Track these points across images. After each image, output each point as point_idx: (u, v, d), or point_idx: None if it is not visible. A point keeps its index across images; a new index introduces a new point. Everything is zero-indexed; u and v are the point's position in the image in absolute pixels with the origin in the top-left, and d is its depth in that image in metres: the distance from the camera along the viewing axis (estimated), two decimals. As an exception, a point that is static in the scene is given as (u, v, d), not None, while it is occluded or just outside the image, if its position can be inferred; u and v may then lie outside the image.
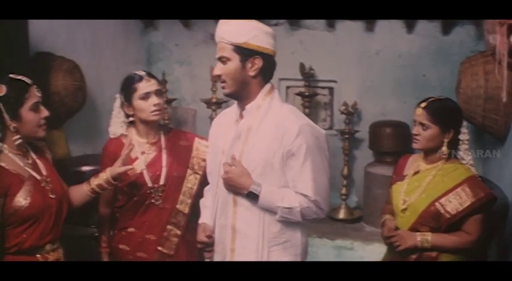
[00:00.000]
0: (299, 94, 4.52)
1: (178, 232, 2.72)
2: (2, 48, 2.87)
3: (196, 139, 2.81)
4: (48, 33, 3.62)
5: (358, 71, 4.61)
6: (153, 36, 5.04)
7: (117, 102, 2.71)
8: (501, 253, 2.88)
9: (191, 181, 2.74)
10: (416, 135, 2.53)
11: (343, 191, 4.44)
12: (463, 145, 2.55)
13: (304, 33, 4.69)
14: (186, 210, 2.73)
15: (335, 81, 4.73)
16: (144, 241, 2.70)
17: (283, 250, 2.27)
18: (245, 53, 2.18)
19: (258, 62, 2.20)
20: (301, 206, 2.20)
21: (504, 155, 3.31)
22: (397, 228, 2.58)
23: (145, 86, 2.61)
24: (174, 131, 2.84)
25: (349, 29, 4.56)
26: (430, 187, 2.51)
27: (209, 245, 2.42)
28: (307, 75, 4.49)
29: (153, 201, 2.67)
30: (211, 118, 4.44)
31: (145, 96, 2.60)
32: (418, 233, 2.48)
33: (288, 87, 4.83)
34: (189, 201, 2.73)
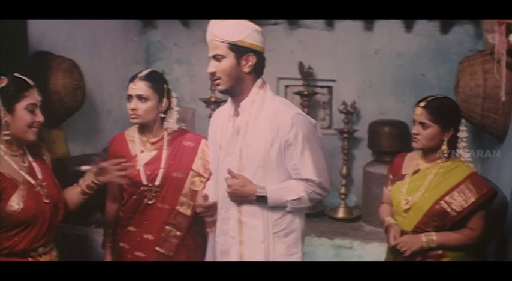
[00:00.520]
0: (298, 93, 4.52)
1: (179, 234, 2.70)
2: (1, 47, 2.87)
3: (203, 141, 2.77)
4: (48, 33, 3.62)
5: (357, 70, 4.61)
6: (152, 35, 5.04)
7: None
8: (500, 252, 2.88)
9: (196, 184, 2.72)
10: (416, 134, 2.54)
11: (342, 190, 4.44)
12: (462, 142, 2.57)
13: (303, 33, 4.69)
14: (188, 212, 2.71)
15: (334, 81, 4.72)
16: (142, 240, 2.70)
17: (284, 236, 2.35)
18: (240, 50, 2.28)
19: (252, 59, 2.31)
20: (306, 192, 2.33)
21: (503, 155, 3.31)
22: (401, 231, 2.56)
23: (129, 88, 2.65)
24: (179, 131, 2.81)
25: (348, 28, 4.55)
26: (432, 186, 2.52)
27: (208, 209, 2.45)
28: (306, 75, 4.49)
29: (146, 200, 2.67)
30: (210, 117, 4.43)
31: (128, 98, 2.66)
32: (422, 234, 2.49)
33: (286, 86, 4.83)
34: (192, 203, 2.69)
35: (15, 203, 2.24)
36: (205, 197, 2.45)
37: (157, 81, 2.69)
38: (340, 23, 4.59)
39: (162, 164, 2.68)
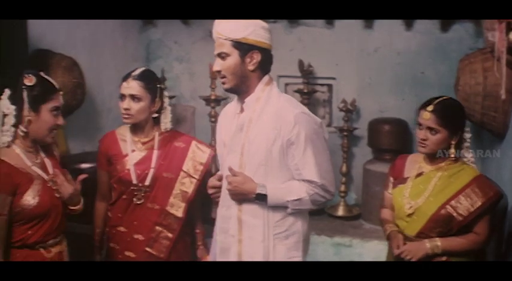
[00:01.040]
0: (298, 91, 4.52)
1: (170, 235, 2.70)
2: (1, 45, 2.87)
3: (194, 142, 2.78)
4: (48, 31, 3.61)
5: (357, 68, 4.61)
6: (152, 33, 5.03)
7: None
8: (500, 252, 2.88)
9: (186, 185, 2.71)
10: (424, 140, 2.44)
11: (342, 188, 4.45)
12: (465, 143, 2.50)
13: (303, 31, 4.69)
14: (179, 214, 2.70)
15: (334, 79, 4.72)
16: (132, 240, 2.69)
17: (285, 238, 2.32)
18: (244, 48, 2.25)
19: (257, 56, 2.27)
20: (308, 194, 2.27)
21: (503, 155, 3.30)
22: (404, 237, 2.50)
23: (122, 87, 2.65)
24: (171, 131, 2.80)
25: (348, 26, 4.55)
26: (437, 190, 2.45)
27: (220, 189, 2.42)
28: (306, 73, 4.49)
29: (134, 200, 2.66)
30: (210, 115, 4.44)
31: (120, 97, 2.66)
32: (426, 240, 2.43)
33: (286, 84, 4.83)
34: (183, 205, 2.70)
35: (31, 197, 2.27)
36: (220, 177, 2.41)
37: (151, 81, 2.68)
38: (339, 21, 4.58)
39: (153, 164, 2.68)
